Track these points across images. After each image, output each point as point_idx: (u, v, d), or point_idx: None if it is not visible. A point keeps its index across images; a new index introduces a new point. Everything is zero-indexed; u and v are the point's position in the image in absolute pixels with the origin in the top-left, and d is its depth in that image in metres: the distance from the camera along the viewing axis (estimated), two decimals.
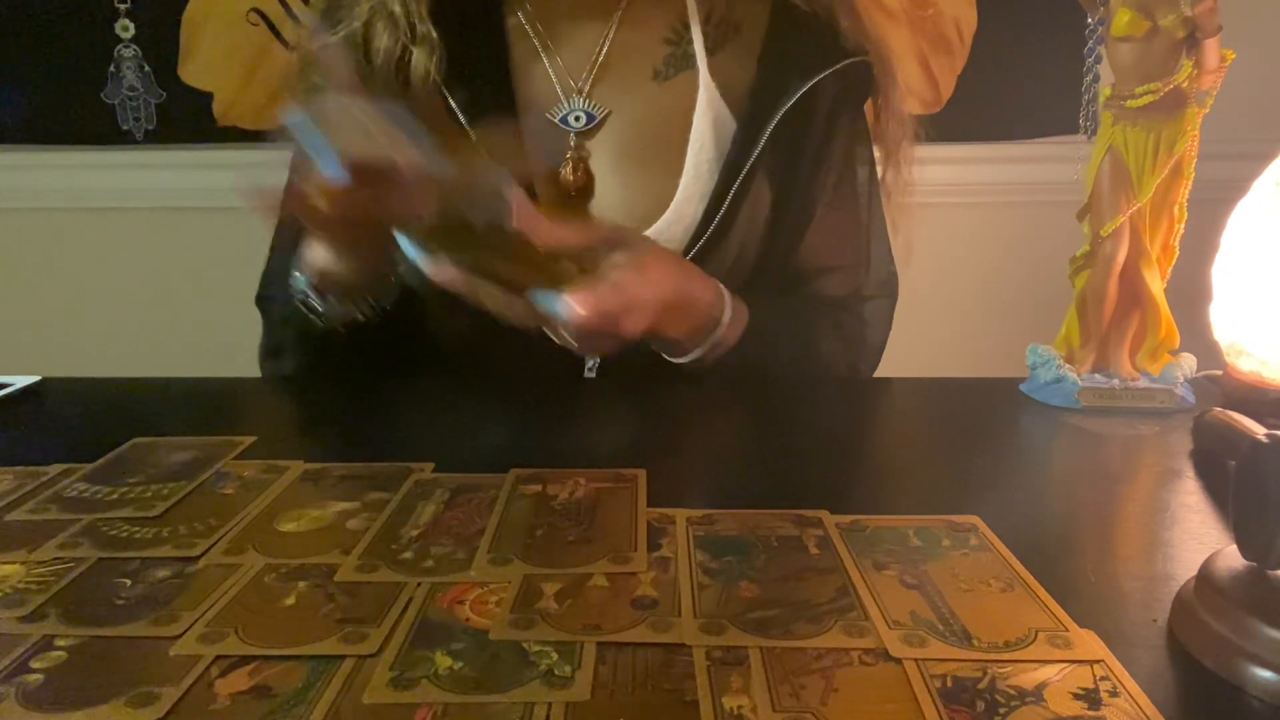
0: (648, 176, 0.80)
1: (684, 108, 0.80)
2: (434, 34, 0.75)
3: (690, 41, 0.81)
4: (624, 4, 0.81)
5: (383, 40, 0.75)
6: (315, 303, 0.71)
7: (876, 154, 0.87)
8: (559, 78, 0.81)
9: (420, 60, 0.75)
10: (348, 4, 0.78)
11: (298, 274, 0.71)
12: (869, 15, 0.82)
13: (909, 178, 0.86)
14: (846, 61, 0.79)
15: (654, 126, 0.81)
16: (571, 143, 0.80)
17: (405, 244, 0.59)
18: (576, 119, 0.80)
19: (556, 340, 0.66)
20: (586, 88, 0.81)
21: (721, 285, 0.74)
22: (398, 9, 0.75)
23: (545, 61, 0.81)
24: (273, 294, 0.83)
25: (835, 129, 0.82)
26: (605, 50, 0.81)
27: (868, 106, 0.87)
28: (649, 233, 0.78)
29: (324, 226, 0.64)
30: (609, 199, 0.80)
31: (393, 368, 0.79)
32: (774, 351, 0.78)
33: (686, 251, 0.78)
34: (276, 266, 0.85)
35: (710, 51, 0.81)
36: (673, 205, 0.79)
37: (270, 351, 0.81)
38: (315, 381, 0.80)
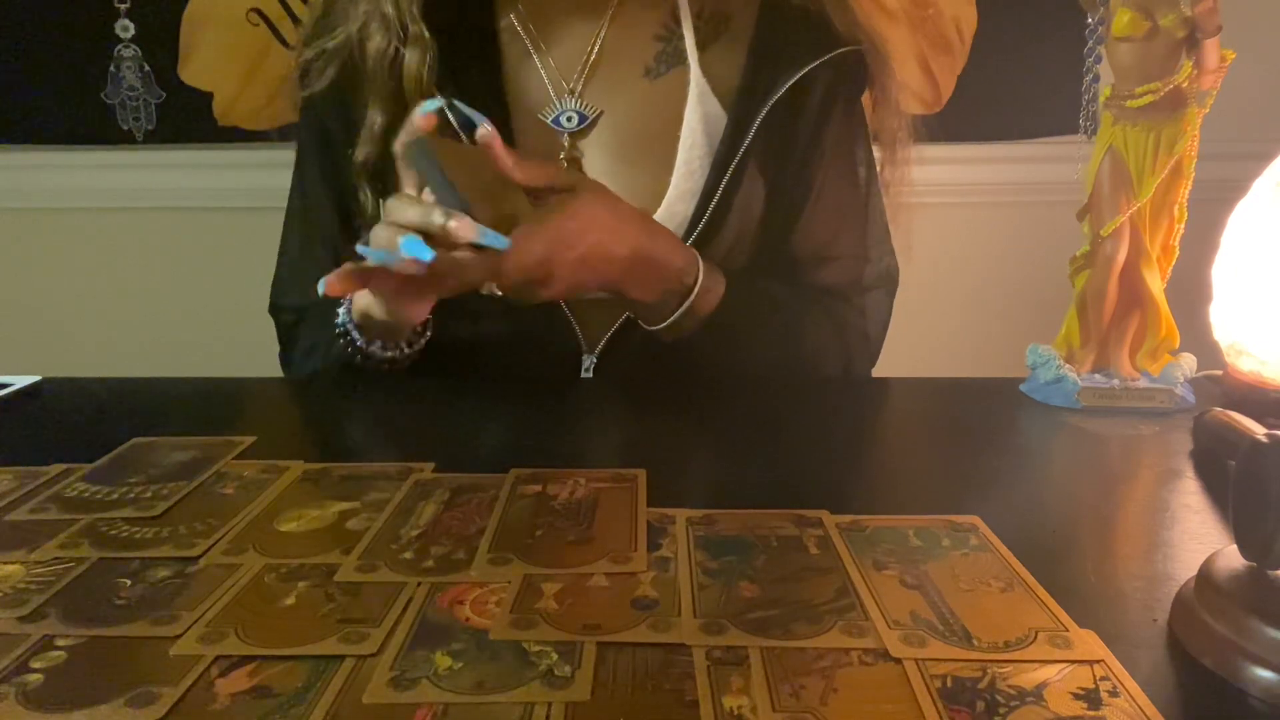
0: (640, 174, 0.80)
1: (675, 105, 0.80)
2: (426, 34, 0.75)
3: (681, 38, 0.81)
4: (615, 2, 0.81)
5: (375, 41, 0.75)
6: (356, 339, 0.73)
7: (875, 150, 0.87)
8: (551, 78, 0.81)
9: (412, 61, 0.75)
10: (342, 6, 0.78)
11: (341, 311, 0.73)
12: (861, 8, 0.82)
13: (906, 175, 0.86)
14: (838, 51, 0.79)
15: (646, 124, 0.81)
16: (564, 143, 0.80)
17: (363, 249, 0.62)
18: (569, 120, 0.80)
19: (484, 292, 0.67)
20: (578, 88, 0.81)
21: (697, 253, 0.74)
22: (390, 10, 0.75)
23: (537, 62, 0.81)
24: (290, 304, 0.84)
25: (829, 120, 0.82)
26: (596, 49, 0.81)
27: (865, 98, 0.86)
28: None
29: (391, 291, 0.67)
30: None
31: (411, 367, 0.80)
32: (755, 328, 0.78)
33: None
34: (287, 273, 0.85)
35: (701, 47, 0.81)
36: (665, 203, 0.79)
37: (306, 376, 0.82)
38: (315, 382, 0.80)
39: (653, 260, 0.71)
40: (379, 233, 0.62)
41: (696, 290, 0.73)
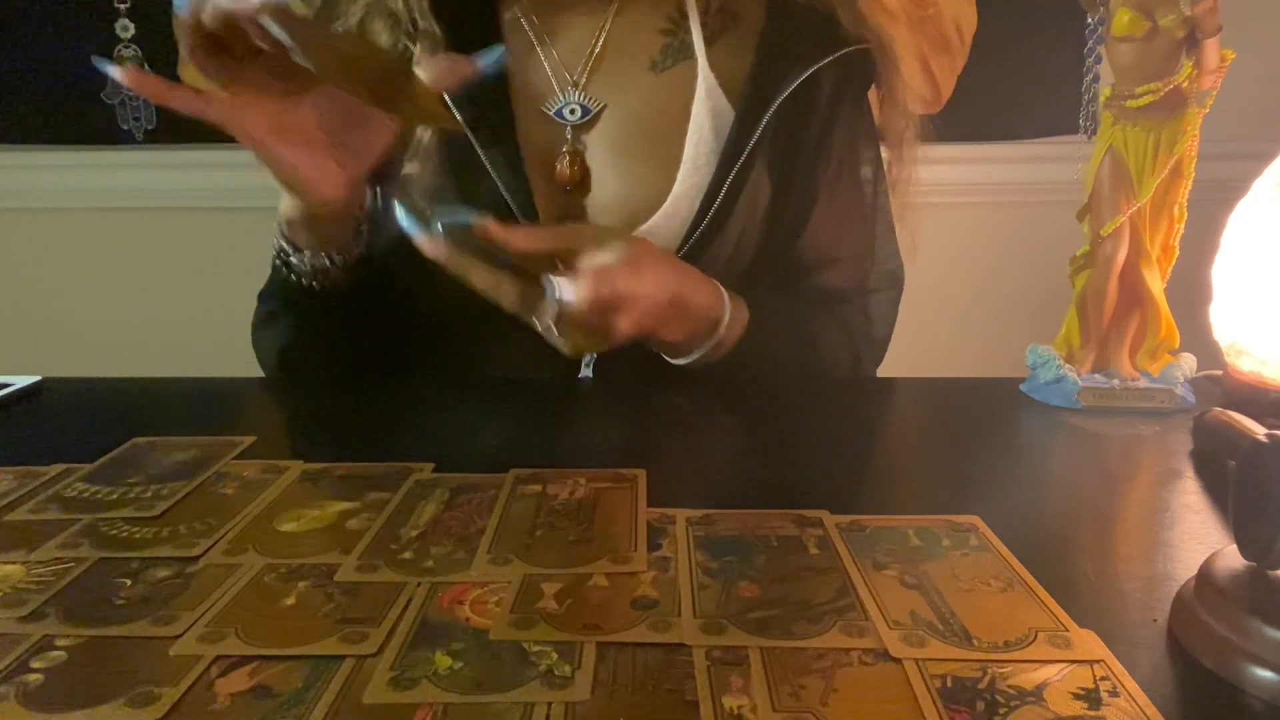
0: (645, 169, 0.80)
1: (682, 99, 0.80)
2: (436, 29, 0.75)
3: (688, 32, 0.81)
4: None
5: (381, 38, 0.75)
6: (290, 255, 0.72)
7: (882, 149, 0.87)
8: (554, 71, 0.81)
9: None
10: (343, 2, 0.77)
11: (275, 235, 0.72)
12: (868, 6, 0.81)
13: (913, 175, 0.86)
14: (846, 49, 0.79)
15: (651, 119, 0.80)
16: (568, 136, 0.80)
17: (399, 213, 0.60)
18: (572, 112, 0.80)
19: (543, 333, 0.66)
20: (583, 80, 0.81)
21: (721, 286, 0.74)
22: (399, 5, 0.75)
23: (541, 55, 0.81)
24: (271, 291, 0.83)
25: (836, 118, 0.82)
26: (601, 42, 0.81)
27: (871, 96, 0.86)
28: (645, 226, 0.78)
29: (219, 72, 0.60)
30: (605, 193, 0.80)
31: (380, 351, 0.79)
32: (775, 349, 0.78)
33: (683, 244, 0.78)
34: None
35: (708, 42, 0.81)
36: (669, 199, 0.78)
37: (260, 324, 0.80)
38: (315, 381, 0.80)
39: (685, 302, 0.71)
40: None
41: (725, 326, 0.73)
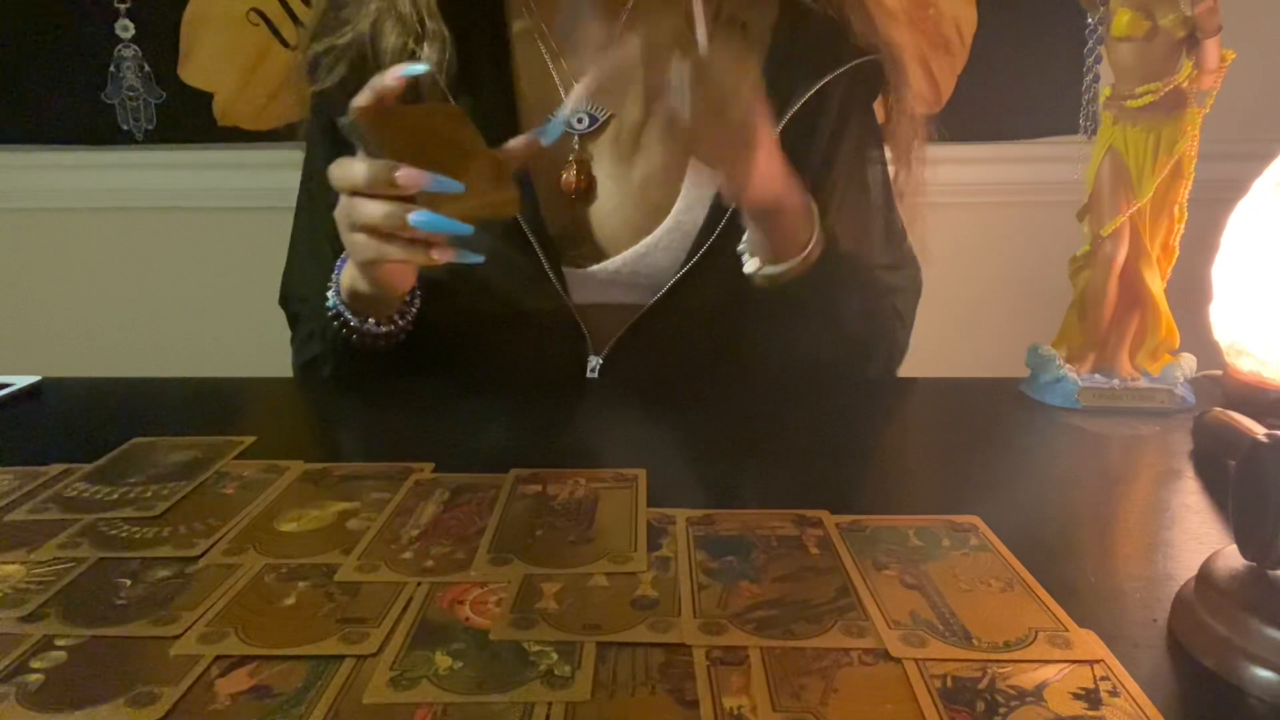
0: (649, 180, 0.80)
1: None
2: (445, 30, 0.75)
3: (695, 44, 0.81)
4: (629, 7, 0.81)
5: (390, 40, 0.75)
6: (348, 318, 0.73)
7: (888, 153, 0.87)
8: (564, 81, 0.81)
9: (431, 58, 0.75)
10: (352, 3, 0.77)
11: (331, 294, 0.73)
12: (879, 15, 0.81)
13: (920, 178, 0.85)
14: (857, 61, 0.79)
15: (658, 130, 0.80)
16: (575, 145, 0.80)
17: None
18: (580, 121, 0.80)
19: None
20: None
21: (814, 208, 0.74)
22: (406, 8, 0.75)
23: (549, 64, 0.81)
24: (296, 295, 0.84)
25: (846, 129, 0.81)
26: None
27: (878, 105, 0.86)
28: (651, 237, 0.78)
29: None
30: (611, 202, 0.80)
31: (414, 367, 0.80)
32: (842, 293, 0.78)
33: (690, 257, 0.77)
34: (294, 266, 0.85)
35: None
36: (673, 212, 0.78)
37: (307, 365, 0.81)
38: (316, 382, 0.80)
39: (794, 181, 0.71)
40: (342, 214, 0.63)
41: (816, 235, 0.73)
